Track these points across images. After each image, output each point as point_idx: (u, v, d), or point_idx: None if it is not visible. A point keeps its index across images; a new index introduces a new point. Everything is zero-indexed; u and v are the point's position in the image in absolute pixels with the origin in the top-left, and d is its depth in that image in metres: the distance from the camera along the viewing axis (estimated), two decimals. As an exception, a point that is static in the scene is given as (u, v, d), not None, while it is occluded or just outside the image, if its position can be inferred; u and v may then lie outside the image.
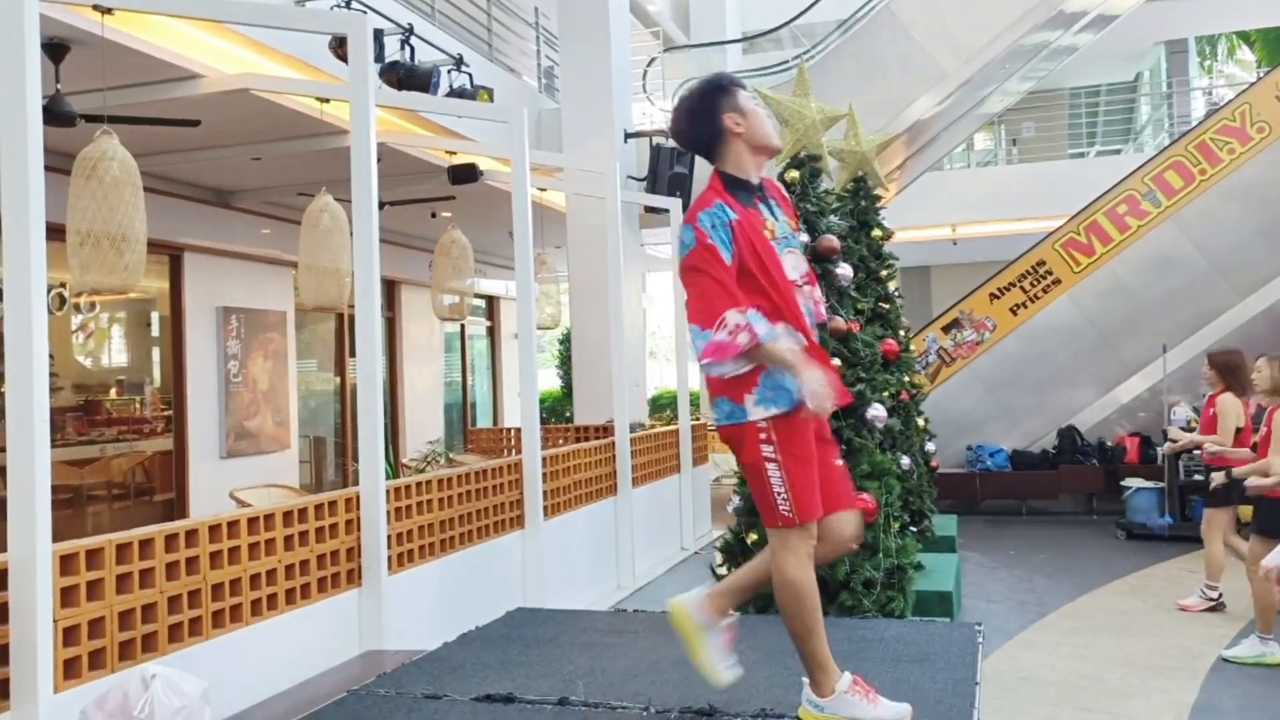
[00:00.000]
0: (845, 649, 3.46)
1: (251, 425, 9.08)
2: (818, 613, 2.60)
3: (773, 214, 2.71)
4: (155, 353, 8.82)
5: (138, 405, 8.49)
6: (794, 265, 2.69)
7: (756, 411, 2.57)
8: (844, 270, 4.61)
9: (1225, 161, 9.43)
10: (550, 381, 16.85)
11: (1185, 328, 9.52)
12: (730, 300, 2.52)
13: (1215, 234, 9.49)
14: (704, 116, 2.71)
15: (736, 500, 4.61)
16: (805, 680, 2.69)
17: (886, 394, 5.31)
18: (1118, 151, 16.05)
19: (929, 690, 2.99)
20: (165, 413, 8.49)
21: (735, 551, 4.59)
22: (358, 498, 4.12)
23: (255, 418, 9.13)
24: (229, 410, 8.80)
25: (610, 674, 3.25)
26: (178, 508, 8.18)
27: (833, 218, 4.77)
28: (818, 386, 2.50)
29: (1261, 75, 11.19)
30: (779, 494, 2.54)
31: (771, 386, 2.56)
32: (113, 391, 8.39)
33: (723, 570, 4.68)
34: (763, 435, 2.57)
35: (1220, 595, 6.06)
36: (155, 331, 8.80)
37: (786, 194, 2.87)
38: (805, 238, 2.67)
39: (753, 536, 4.48)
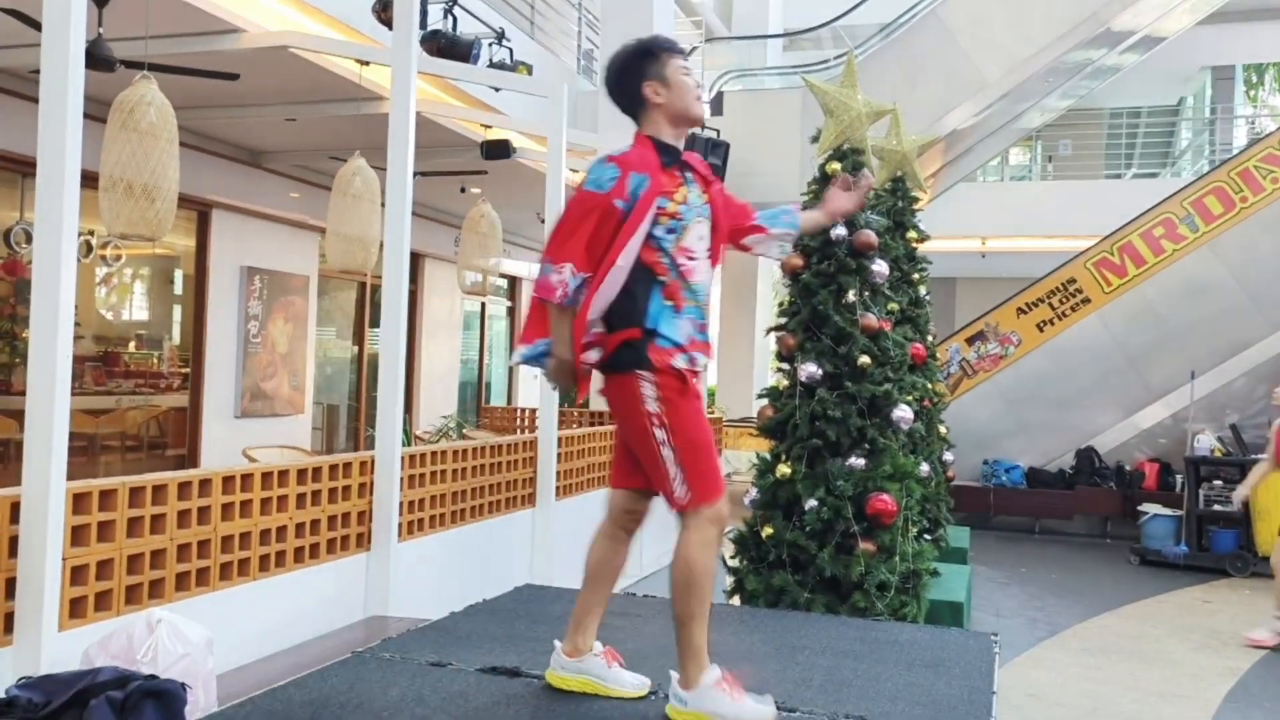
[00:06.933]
0: (858, 649, 3.39)
1: (267, 387, 9.07)
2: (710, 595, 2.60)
3: (689, 184, 2.69)
4: (177, 309, 8.82)
5: (156, 360, 8.49)
6: (699, 235, 2.68)
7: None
8: (879, 266, 4.53)
9: (1268, 190, 9.26)
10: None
11: (1214, 356, 9.37)
12: (576, 254, 2.54)
13: (1252, 263, 9.33)
14: (626, 81, 2.71)
15: (754, 492, 4.54)
16: (674, 675, 2.61)
17: (911, 397, 5.23)
18: (1154, 175, 15.84)
19: (944, 696, 2.92)
20: (183, 369, 8.49)
21: (749, 544, 4.52)
22: (372, 461, 4.08)
23: (272, 380, 9.12)
24: (246, 370, 8.79)
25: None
26: (189, 463, 8.18)
27: (870, 213, 4.69)
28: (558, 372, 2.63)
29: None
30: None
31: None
32: (132, 345, 8.40)
33: (734, 562, 4.62)
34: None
35: None
36: (178, 288, 8.80)
37: (707, 167, 2.84)
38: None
39: (768, 530, 4.41)
